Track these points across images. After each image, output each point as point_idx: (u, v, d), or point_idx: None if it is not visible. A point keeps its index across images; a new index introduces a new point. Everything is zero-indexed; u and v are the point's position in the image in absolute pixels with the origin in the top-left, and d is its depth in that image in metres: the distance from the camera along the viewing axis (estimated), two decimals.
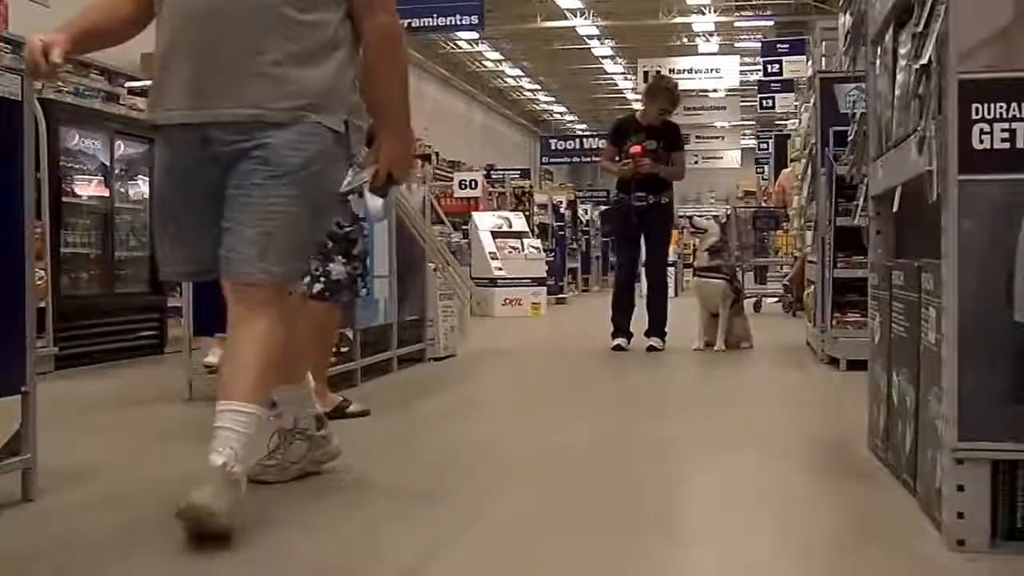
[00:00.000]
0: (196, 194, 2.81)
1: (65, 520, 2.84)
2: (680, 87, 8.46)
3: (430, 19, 12.92)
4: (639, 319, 7.68)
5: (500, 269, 12.43)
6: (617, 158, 7.64)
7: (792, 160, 12.17)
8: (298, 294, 3.86)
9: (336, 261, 4.37)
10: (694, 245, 8.81)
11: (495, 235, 12.90)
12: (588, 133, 35.78)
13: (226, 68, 2.72)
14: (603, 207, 22.28)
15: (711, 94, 29.45)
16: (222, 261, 2.74)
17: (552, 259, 14.99)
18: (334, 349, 5.04)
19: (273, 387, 2.90)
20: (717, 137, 34.21)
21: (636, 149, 7.44)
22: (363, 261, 4.56)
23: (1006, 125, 2.34)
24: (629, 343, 7.51)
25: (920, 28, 2.60)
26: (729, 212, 13.31)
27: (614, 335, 7.59)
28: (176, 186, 2.85)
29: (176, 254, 2.92)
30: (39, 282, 6.05)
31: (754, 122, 35.89)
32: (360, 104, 2.91)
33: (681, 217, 10.72)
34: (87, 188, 6.90)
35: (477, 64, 32.74)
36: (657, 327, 7.56)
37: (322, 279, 4.32)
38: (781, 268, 13.64)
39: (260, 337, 2.71)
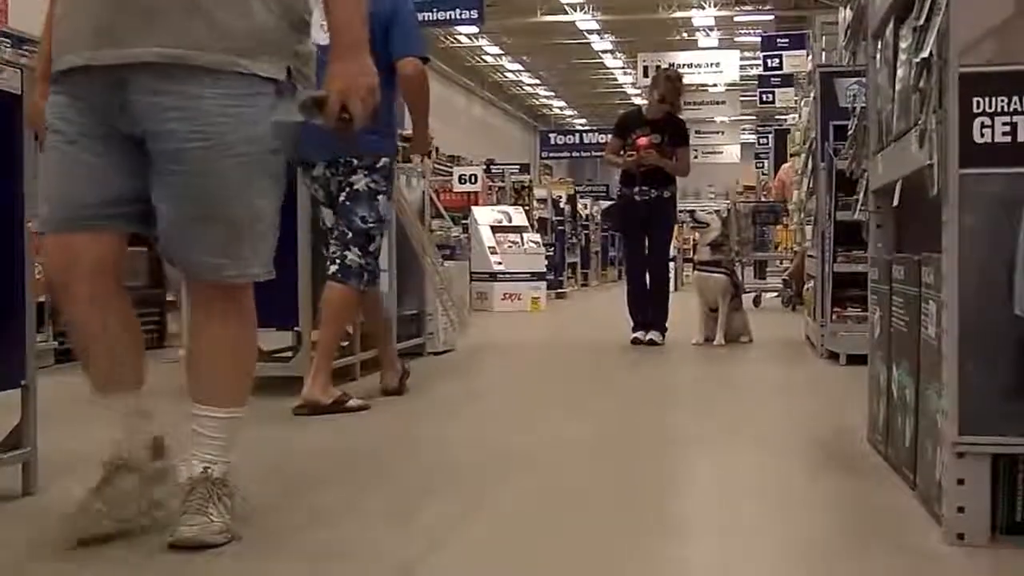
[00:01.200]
0: (102, 137, 2.41)
1: (64, 513, 2.84)
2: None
3: (430, 13, 12.92)
4: None
5: (500, 264, 12.42)
6: (622, 152, 7.65)
7: (792, 155, 12.17)
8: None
9: (352, 251, 4.54)
10: (694, 240, 8.80)
11: (495, 230, 12.89)
12: (588, 128, 35.78)
13: (143, 2, 2.31)
14: (603, 202, 22.32)
15: (711, 89, 29.42)
16: (169, 250, 2.49)
17: (552, 254, 14.98)
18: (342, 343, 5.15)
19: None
20: (717, 132, 34.17)
21: (642, 141, 7.44)
22: (376, 258, 4.70)
23: (1007, 119, 2.34)
24: (647, 335, 7.52)
25: (921, 22, 2.60)
26: (729, 207, 13.31)
27: (633, 329, 7.63)
28: (77, 130, 2.42)
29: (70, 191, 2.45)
30: (38, 276, 6.05)
31: (754, 117, 35.89)
32: (310, 52, 2.54)
33: (681, 212, 10.72)
34: None
35: (477, 58, 32.73)
36: (658, 321, 7.57)
37: (337, 261, 4.54)
38: (781, 263, 13.64)
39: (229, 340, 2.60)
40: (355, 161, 4.54)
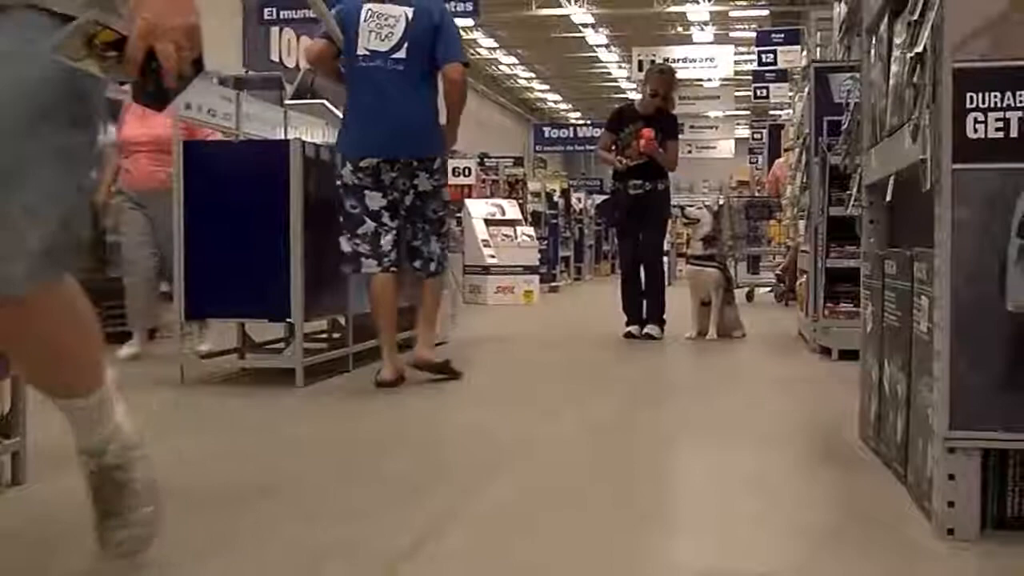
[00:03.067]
0: None
1: (55, 503, 2.84)
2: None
3: None
4: None
5: (493, 257, 12.42)
6: (613, 147, 7.67)
7: (786, 150, 12.18)
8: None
9: (432, 241, 5.15)
10: (687, 235, 8.81)
11: (488, 223, 12.88)
12: (582, 122, 35.79)
13: None
14: (597, 196, 22.32)
15: (705, 84, 29.44)
16: None
17: (545, 247, 14.99)
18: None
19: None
20: (711, 127, 34.15)
21: (647, 132, 7.45)
22: (448, 238, 5.42)
23: (1000, 114, 2.34)
24: (641, 330, 7.52)
25: (915, 17, 2.60)
26: (722, 201, 13.31)
27: (627, 323, 7.64)
28: None
29: None
30: None
31: (748, 112, 35.91)
32: None
33: (674, 207, 10.73)
34: None
35: (471, 52, 32.67)
36: (654, 315, 7.58)
37: (434, 260, 5.17)
38: (774, 258, 13.65)
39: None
40: (414, 162, 5.02)
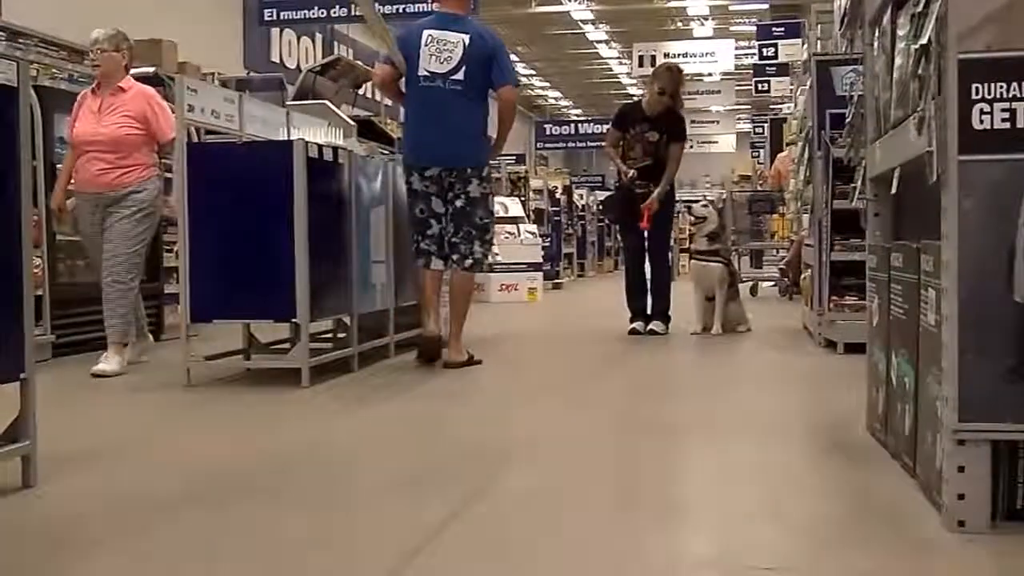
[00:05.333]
0: None
1: (65, 506, 2.85)
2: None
3: (424, 4, 12.86)
4: None
5: (496, 254, 12.41)
6: (619, 144, 7.67)
7: (788, 143, 12.16)
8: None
9: (476, 245, 5.74)
10: (690, 230, 8.81)
11: None
12: (583, 118, 35.68)
13: None
14: (599, 192, 22.29)
15: (706, 78, 29.36)
16: None
17: (548, 244, 14.99)
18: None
19: None
20: (712, 121, 34.08)
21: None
22: (491, 244, 6.03)
23: (1006, 105, 2.33)
24: (646, 327, 7.52)
25: (919, 8, 2.59)
26: (725, 196, 13.30)
27: (631, 319, 7.63)
28: None
29: None
30: (36, 270, 6.04)
31: (749, 106, 35.82)
32: None
33: (677, 203, 10.72)
34: None
35: None
36: (659, 311, 7.57)
37: (470, 257, 5.73)
38: (777, 252, 13.64)
39: None
40: (468, 170, 5.68)
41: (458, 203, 5.70)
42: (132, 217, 5.69)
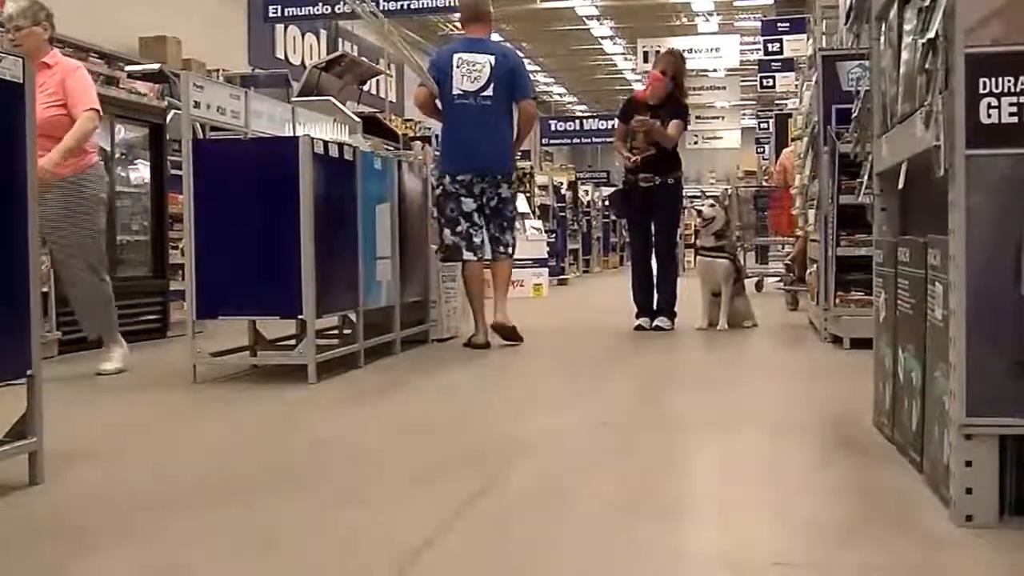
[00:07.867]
0: None
1: (72, 502, 2.85)
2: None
3: (428, 0, 12.86)
4: None
5: None
6: (627, 139, 7.68)
7: (793, 139, 12.13)
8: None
9: (508, 233, 6.72)
10: (695, 226, 8.79)
11: None
12: (588, 114, 35.67)
13: None
14: (604, 188, 22.27)
15: (711, 74, 29.33)
16: None
17: (553, 240, 14.98)
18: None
19: None
20: (717, 117, 34.07)
21: (634, 125, 7.50)
22: (515, 230, 6.99)
23: (1014, 99, 2.32)
24: (652, 323, 7.51)
25: (926, 2, 2.58)
26: (730, 192, 13.28)
27: (637, 315, 7.64)
28: None
29: None
30: (42, 267, 6.04)
31: (754, 102, 35.76)
32: None
33: (687, 197, 10.71)
34: None
35: None
36: (666, 307, 7.56)
37: (510, 247, 6.74)
38: (782, 247, 13.61)
39: None
40: (499, 175, 6.63)
41: (493, 203, 6.63)
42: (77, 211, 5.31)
